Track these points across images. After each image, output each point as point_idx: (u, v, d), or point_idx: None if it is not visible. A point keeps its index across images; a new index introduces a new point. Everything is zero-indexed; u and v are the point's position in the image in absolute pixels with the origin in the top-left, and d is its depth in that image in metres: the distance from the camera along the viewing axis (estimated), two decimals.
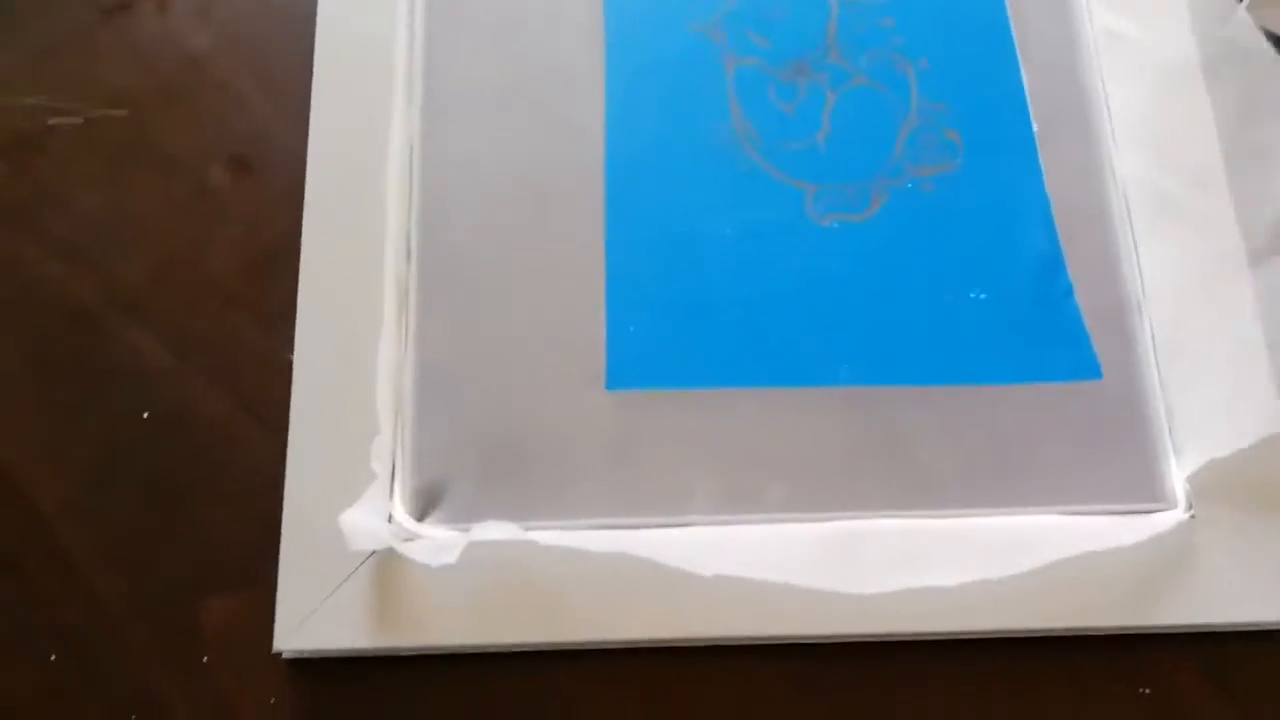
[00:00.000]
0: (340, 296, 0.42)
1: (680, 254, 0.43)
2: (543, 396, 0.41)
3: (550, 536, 0.37)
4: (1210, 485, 0.39)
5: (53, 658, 0.37)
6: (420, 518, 0.39)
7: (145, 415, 0.40)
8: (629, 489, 0.39)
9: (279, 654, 0.37)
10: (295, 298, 0.41)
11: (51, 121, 0.44)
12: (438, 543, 0.38)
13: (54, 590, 0.38)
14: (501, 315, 0.42)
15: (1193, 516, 0.38)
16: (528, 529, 0.38)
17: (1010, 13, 0.46)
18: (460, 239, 0.43)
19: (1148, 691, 0.37)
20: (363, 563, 0.38)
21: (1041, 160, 0.44)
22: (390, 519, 0.39)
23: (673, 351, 0.41)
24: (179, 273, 0.42)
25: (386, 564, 0.38)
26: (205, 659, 0.37)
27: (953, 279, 0.42)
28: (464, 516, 0.39)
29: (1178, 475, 0.39)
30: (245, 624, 0.38)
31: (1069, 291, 0.42)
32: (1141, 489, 0.39)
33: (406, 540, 0.38)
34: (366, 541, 0.37)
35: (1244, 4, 0.44)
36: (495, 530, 0.37)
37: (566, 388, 0.41)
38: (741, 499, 0.39)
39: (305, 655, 0.38)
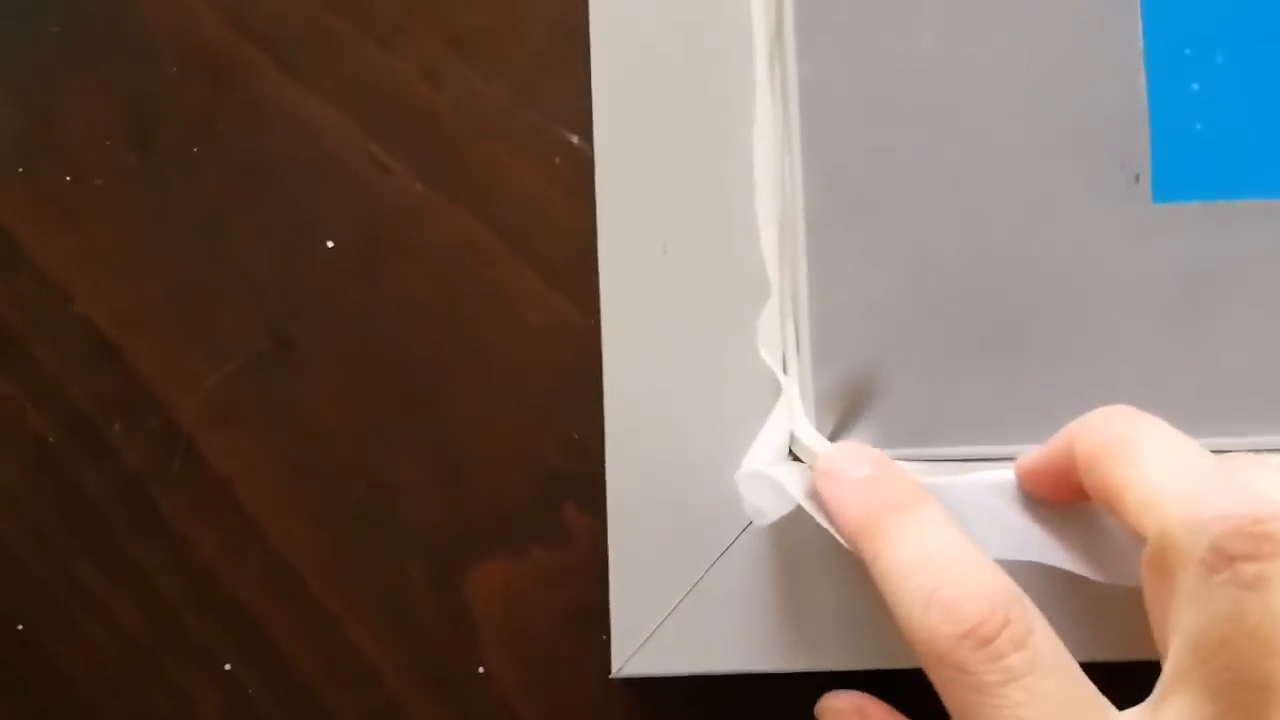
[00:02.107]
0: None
1: None
2: (1043, 217, 0.22)
3: None
4: None
5: None
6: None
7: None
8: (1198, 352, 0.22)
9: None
10: None
11: None
12: None
13: None
14: (958, 83, 0.23)
15: None
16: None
17: None
18: None
19: None
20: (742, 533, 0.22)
21: None
22: (792, 450, 0.22)
23: (1249, 143, 0.23)
24: None
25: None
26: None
27: None
28: (918, 430, 0.22)
29: None
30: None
31: None
32: None
33: None
34: (777, 506, 0.20)
35: None
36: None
37: (1086, 201, 0.22)
38: None
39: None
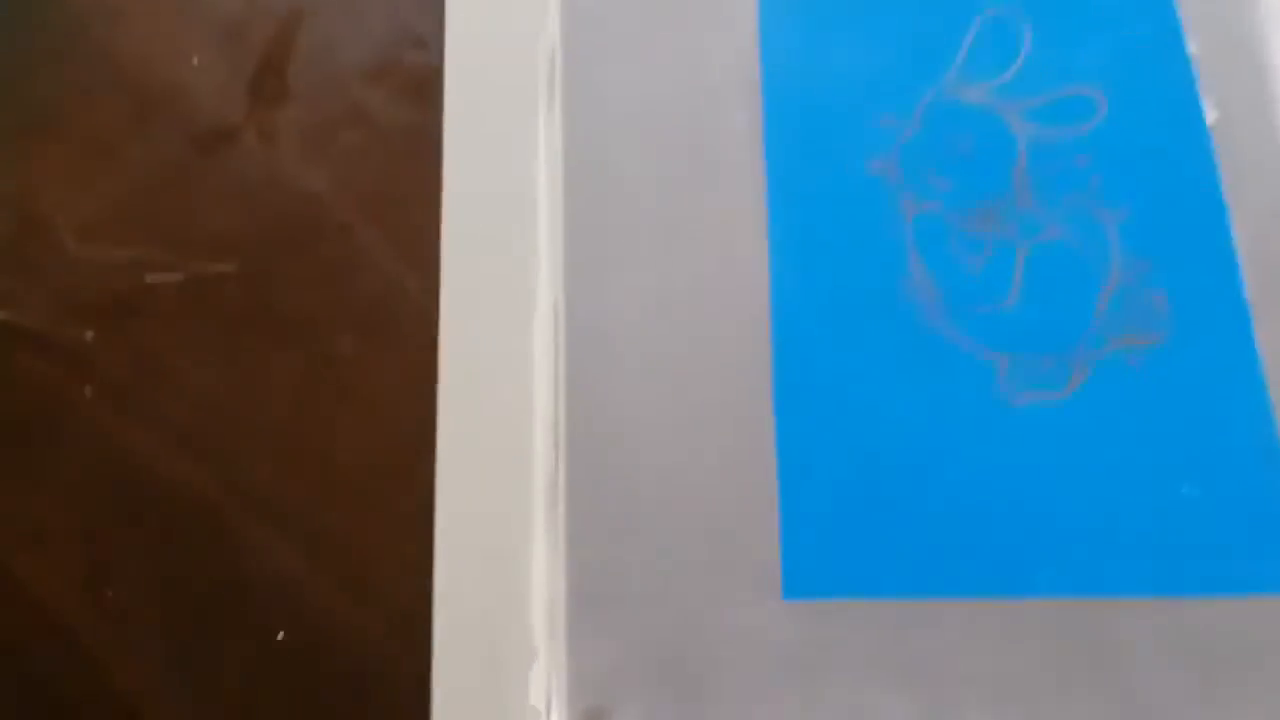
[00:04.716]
0: (485, 497, 0.38)
1: (860, 437, 0.38)
2: (711, 606, 0.37)
3: None
4: None
5: None
6: None
7: (280, 635, 0.36)
8: (811, 713, 0.36)
9: None
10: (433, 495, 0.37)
11: (149, 279, 0.39)
12: None
13: None
14: (661, 512, 0.38)
15: None
16: None
17: (1218, 153, 0.41)
18: (612, 422, 0.38)
19: None
20: None
21: (1256, 334, 0.39)
22: None
23: (856, 555, 0.38)
24: (307, 465, 0.38)
25: None
26: None
27: (1162, 471, 0.38)
28: None
29: None
30: None
31: None
32: None
33: None
34: None
35: None
36: None
37: (738, 597, 0.37)
38: None
39: None
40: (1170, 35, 0.42)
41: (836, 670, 0.36)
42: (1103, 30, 0.42)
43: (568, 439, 0.38)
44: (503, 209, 0.40)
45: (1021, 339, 0.39)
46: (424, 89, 0.41)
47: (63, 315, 0.39)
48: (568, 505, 0.37)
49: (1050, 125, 0.41)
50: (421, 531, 0.37)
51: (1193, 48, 0.42)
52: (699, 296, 0.39)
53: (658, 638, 0.37)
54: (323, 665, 0.36)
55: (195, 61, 0.41)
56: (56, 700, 0.35)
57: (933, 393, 0.39)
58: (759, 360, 0.39)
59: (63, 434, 0.38)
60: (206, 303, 0.39)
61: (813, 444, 0.38)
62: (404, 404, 0.38)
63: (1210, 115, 0.41)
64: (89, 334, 0.38)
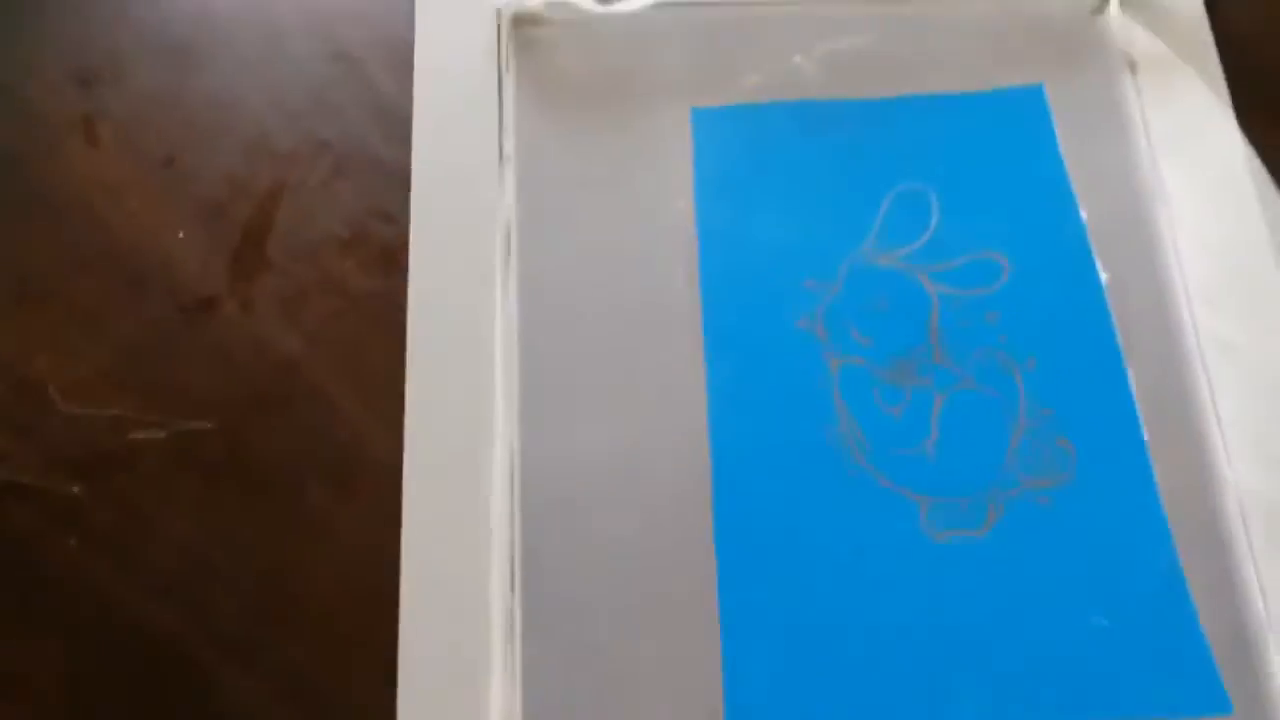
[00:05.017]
0: (445, 634, 0.40)
1: (795, 575, 0.42)
2: None
3: None
4: None
5: None
6: None
7: None
8: None
9: None
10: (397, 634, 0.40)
11: (134, 436, 0.42)
12: None
13: None
14: (610, 649, 0.40)
15: None
16: None
17: (1113, 310, 0.45)
18: (565, 564, 0.41)
19: None
20: None
21: (1155, 473, 0.43)
22: None
23: (794, 690, 0.40)
24: (279, 607, 0.40)
25: None
26: None
27: (1074, 603, 0.41)
28: None
29: None
30: None
31: (1193, 618, 0.41)
32: None
33: None
34: None
35: None
36: None
37: None
38: None
39: None
40: (1065, 205, 0.47)
41: None
42: (1004, 201, 0.47)
43: (523, 580, 0.41)
44: (462, 368, 0.43)
45: (940, 482, 0.43)
46: (391, 259, 0.45)
47: (52, 470, 0.41)
48: (523, 642, 0.40)
49: (960, 286, 0.46)
50: (386, 668, 0.39)
51: (1086, 216, 0.47)
52: (644, 444, 0.43)
53: None
54: None
55: (181, 235, 0.45)
56: None
57: (861, 532, 0.42)
58: (700, 504, 0.42)
59: (49, 582, 0.40)
60: (187, 458, 0.42)
61: (752, 583, 0.41)
62: (370, 550, 0.41)
63: (1104, 275, 0.46)
64: (76, 488, 0.41)
